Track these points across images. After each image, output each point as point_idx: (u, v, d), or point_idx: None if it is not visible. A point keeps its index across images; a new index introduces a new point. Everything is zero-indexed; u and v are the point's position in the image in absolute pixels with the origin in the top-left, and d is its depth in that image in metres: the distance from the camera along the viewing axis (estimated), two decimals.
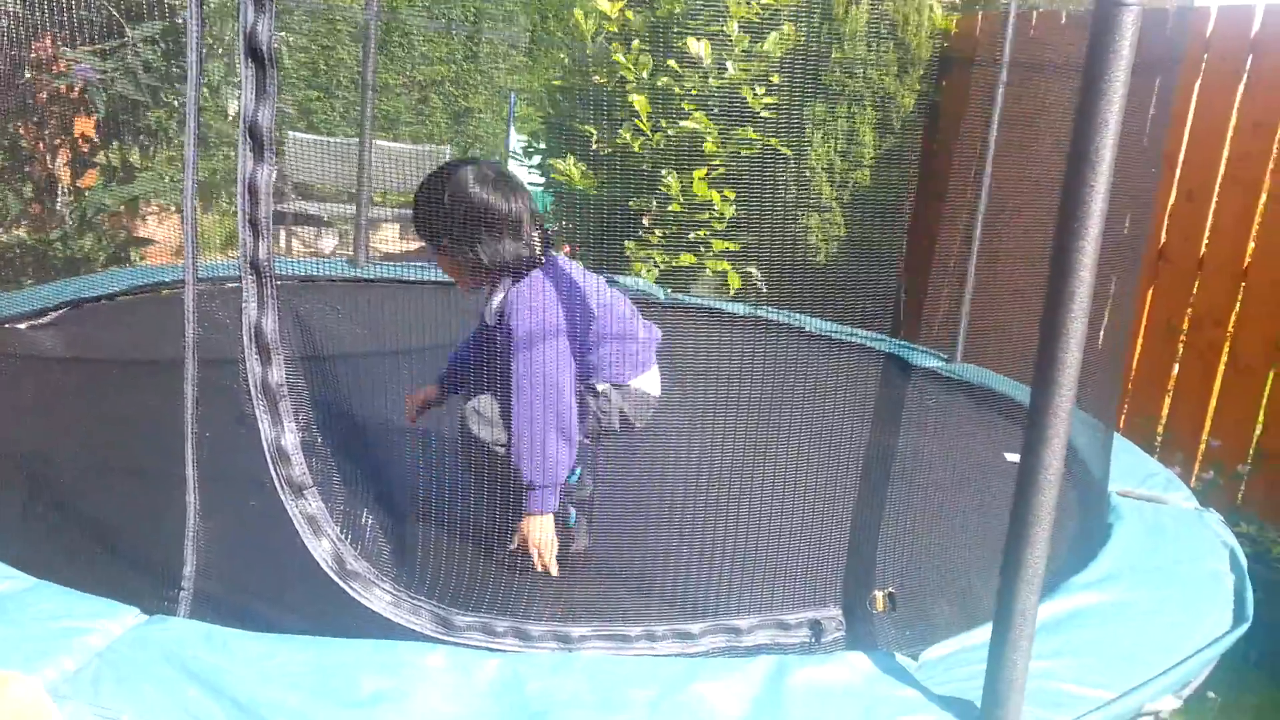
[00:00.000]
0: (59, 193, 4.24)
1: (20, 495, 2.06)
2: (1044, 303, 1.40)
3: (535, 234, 2.04)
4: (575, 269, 2.12)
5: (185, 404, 1.61)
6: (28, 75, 3.99)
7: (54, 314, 3.11)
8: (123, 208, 4.37)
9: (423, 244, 2.21)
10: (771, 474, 1.98)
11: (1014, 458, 2.75)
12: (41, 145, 4.17)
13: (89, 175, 4.34)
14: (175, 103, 4.28)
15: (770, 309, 4.13)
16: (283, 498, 1.62)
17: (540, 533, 1.96)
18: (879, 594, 1.75)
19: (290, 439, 1.64)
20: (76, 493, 2.09)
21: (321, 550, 1.61)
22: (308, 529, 1.62)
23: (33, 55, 3.86)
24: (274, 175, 1.49)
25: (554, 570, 1.98)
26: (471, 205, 1.99)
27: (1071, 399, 1.43)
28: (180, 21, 3.95)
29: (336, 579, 1.60)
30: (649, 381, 2.18)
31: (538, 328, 1.94)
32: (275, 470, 1.62)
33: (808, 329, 3.81)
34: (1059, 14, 4.91)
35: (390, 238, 7.46)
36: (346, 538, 1.64)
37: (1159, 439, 3.80)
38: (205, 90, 4.31)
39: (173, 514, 1.67)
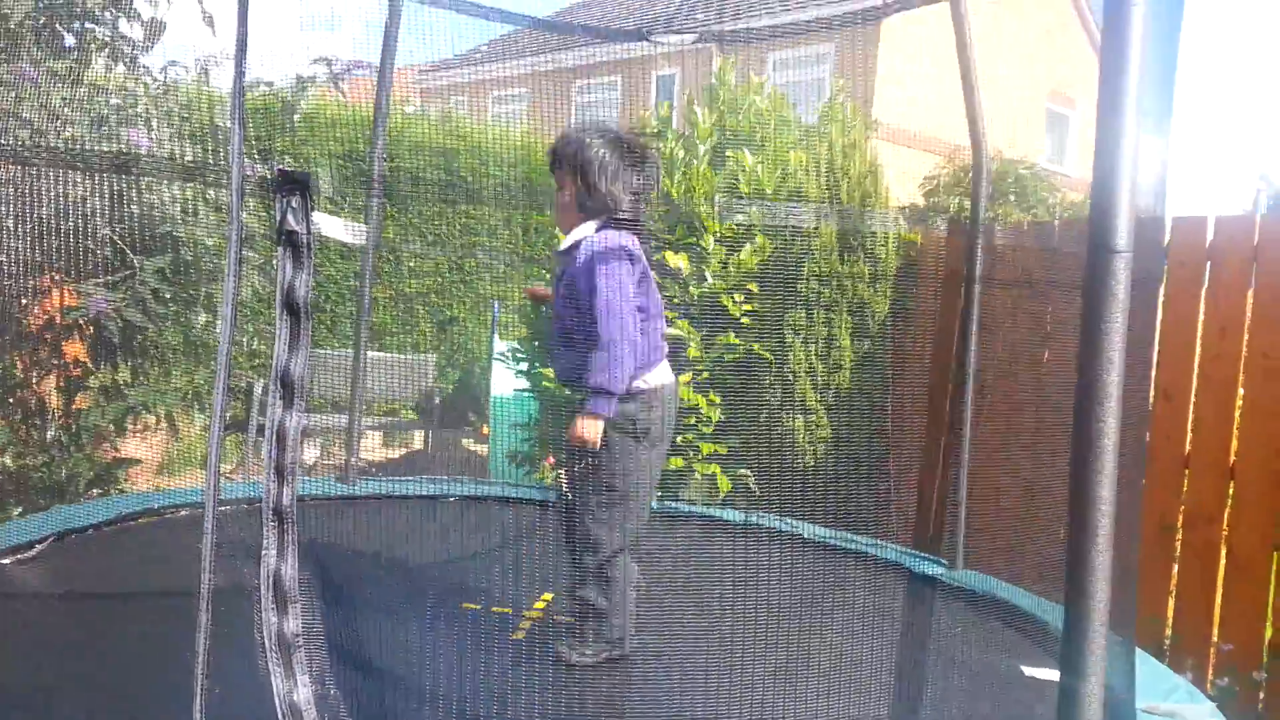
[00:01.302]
0: (50, 417, 4.23)
1: None
2: (1066, 540, 1.41)
3: (642, 210, 2.42)
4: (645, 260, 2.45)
5: (196, 663, 1.55)
6: (24, 303, 4.07)
7: (39, 546, 3.03)
8: (111, 427, 4.36)
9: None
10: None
11: (1032, 672, 2.71)
12: (34, 373, 4.20)
13: (80, 399, 4.35)
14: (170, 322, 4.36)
15: (765, 515, 4.11)
16: None
17: (593, 431, 2.34)
18: None
19: (303, 693, 1.58)
20: None
21: None
22: None
23: (33, 286, 3.95)
24: (303, 423, 1.51)
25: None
26: (607, 160, 2.38)
27: (1104, 632, 1.42)
28: (184, 253, 4.07)
29: None
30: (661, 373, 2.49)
31: (614, 257, 2.30)
32: None
33: (805, 535, 3.78)
34: (1021, 224, 5.19)
35: (374, 445, 7.47)
36: None
37: (1167, 642, 3.73)
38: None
39: None
